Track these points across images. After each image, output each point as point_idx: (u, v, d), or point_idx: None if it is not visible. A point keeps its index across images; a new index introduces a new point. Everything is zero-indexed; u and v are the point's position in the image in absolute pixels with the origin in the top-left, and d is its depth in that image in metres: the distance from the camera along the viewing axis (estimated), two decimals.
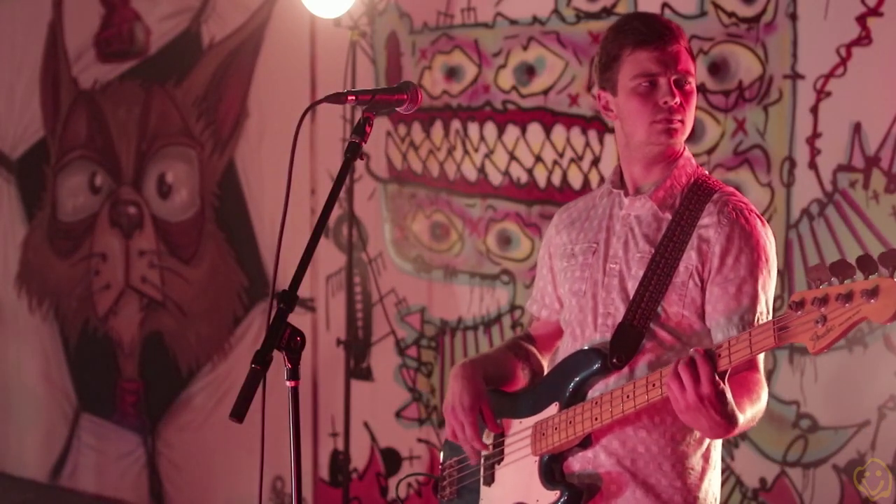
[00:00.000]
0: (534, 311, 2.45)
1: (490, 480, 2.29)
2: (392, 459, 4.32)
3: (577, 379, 2.17)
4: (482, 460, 2.31)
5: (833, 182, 3.29)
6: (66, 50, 5.42)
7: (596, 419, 2.09)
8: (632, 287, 2.16)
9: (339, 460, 4.36)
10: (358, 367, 4.36)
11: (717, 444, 2.23)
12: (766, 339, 1.87)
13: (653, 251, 2.16)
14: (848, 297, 1.75)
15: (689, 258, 2.14)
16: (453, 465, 2.39)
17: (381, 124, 4.22)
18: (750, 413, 2.04)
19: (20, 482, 5.59)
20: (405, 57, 4.22)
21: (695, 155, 3.25)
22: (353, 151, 1.93)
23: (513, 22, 3.91)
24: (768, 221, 2.25)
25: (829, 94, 3.28)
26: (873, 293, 1.73)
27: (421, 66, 4.17)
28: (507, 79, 3.93)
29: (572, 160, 3.77)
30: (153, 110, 5.11)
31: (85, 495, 5.38)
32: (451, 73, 4.10)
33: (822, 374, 3.33)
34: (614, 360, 2.13)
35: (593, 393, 2.15)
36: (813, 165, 3.33)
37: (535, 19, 3.85)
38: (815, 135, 3.32)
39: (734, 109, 3.46)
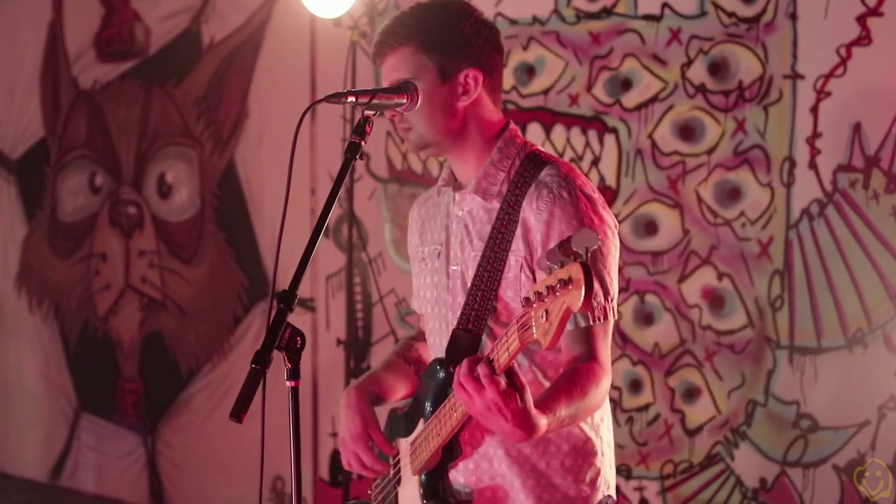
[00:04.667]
0: (416, 307, 2.38)
1: (394, 501, 2.26)
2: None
3: (430, 393, 2.12)
4: (387, 483, 2.27)
5: (833, 182, 3.29)
6: (66, 50, 5.42)
7: (439, 434, 2.04)
8: (469, 289, 2.10)
9: (339, 460, 4.35)
10: (358, 367, 4.36)
11: (602, 432, 2.15)
12: (514, 340, 1.75)
13: (483, 247, 2.08)
14: (553, 287, 1.65)
15: (518, 248, 2.05)
16: (377, 486, 2.35)
17: (381, 124, 4.22)
18: (566, 411, 1.90)
19: (20, 482, 5.59)
20: None
21: (695, 155, 3.24)
22: (353, 151, 1.92)
23: (513, 22, 3.91)
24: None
25: (829, 94, 3.28)
26: (569, 281, 1.62)
27: None
28: (506, 79, 3.93)
29: (572, 160, 3.77)
30: (153, 110, 5.11)
31: (85, 495, 5.38)
32: None
33: (822, 374, 3.33)
34: (451, 369, 2.05)
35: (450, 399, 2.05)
36: (813, 165, 3.33)
37: (535, 19, 3.85)
38: (815, 135, 3.32)
39: (734, 109, 3.46)
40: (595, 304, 1.99)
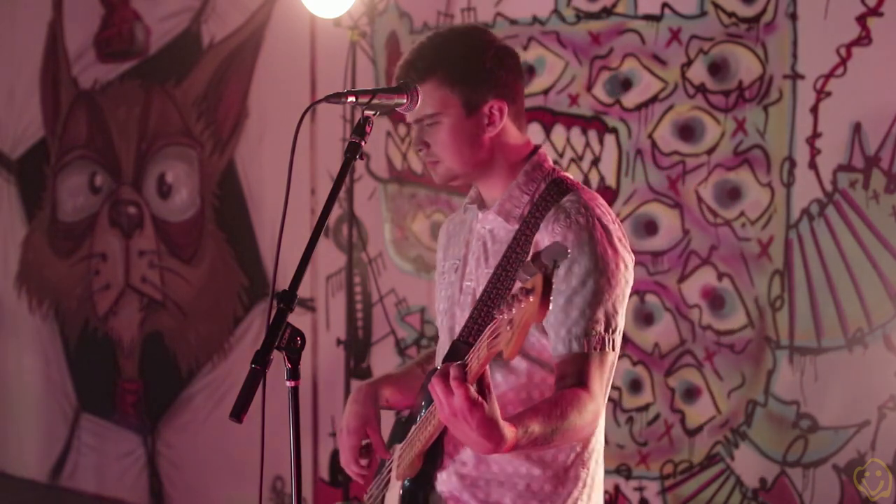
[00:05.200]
0: (438, 322, 2.38)
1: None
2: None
3: (423, 401, 2.13)
4: (378, 485, 2.28)
5: (833, 182, 3.29)
6: (66, 50, 5.42)
7: (419, 440, 2.05)
8: (476, 304, 2.11)
9: (339, 460, 4.35)
10: (358, 367, 4.36)
11: (589, 465, 2.12)
12: (483, 349, 1.73)
13: (496, 266, 2.09)
14: (517, 297, 1.64)
15: None
16: (371, 487, 2.36)
17: (381, 124, 4.22)
18: (540, 429, 1.86)
19: (20, 482, 5.59)
20: None
21: (695, 155, 3.24)
22: (353, 151, 1.92)
23: (513, 22, 3.91)
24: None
25: (829, 94, 3.28)
26: (531, 291, 1.61)
27: None
28: None
29: (572, 160, 3.77)
30: (153, 110, 5.11)
31: (85, 495, 5.38)
32: None
33: (822, 374, 3.33)
34: None
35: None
36: (813, 165, 3.33)
37: (535, 19, 3.85)
38: (815, 135, 3.32)
39: (734, 109, 3.46)
40: (593, 332, 1.98)
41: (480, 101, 2.09)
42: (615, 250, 2.03)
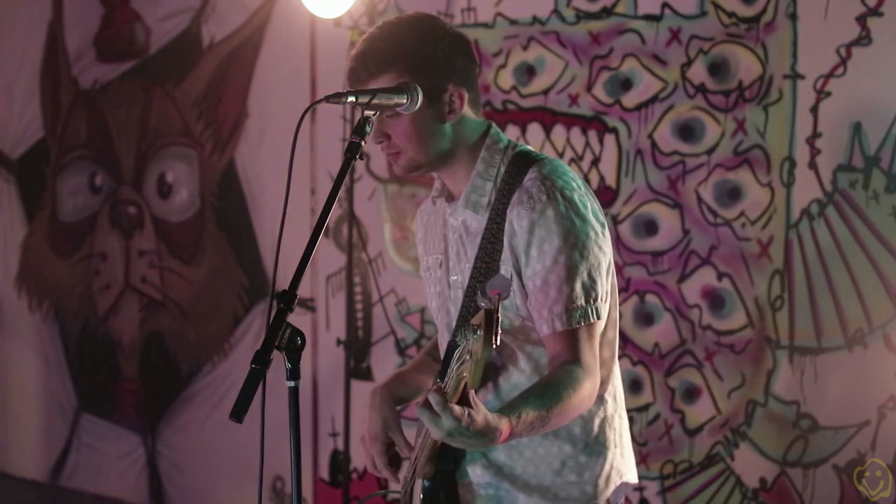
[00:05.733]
0: (431, 316, 2.41)
1: (409, 499, 2.27)
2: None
3: None
4: (405, 483, 2.29)
5: (833, 182, 3.29)
6: (66, 50, 5.42)
7: (426, 447, 2.06)
8: (462, 300, 2.12)
9: (339, 460, 4.36)
10: (358, 367, 4.36)
11: (614, 424, 2.16)
12: (453, 376, 1.77)
13: (475, 258, 2.10)
14: (473, 328, 1.68)
15: (507, 258, 2.05)
16: (407, 471, 2.38)
17: None
18: (535, 413, 1.88)
19: (20, 482, 5.59)
20: None
21: (695, 155, 3.24)
22: (353, 151, 1.92)
23: (513, 22, 3.91)
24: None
25: (829, 94, 3.28)
26: (479, 326, 1.64)
27: None
28: (506, 79, 3.93)
29: (572, 160, 3.77)
30: (153, 110, 5.10)
31: (85, 495, 5.38)
32: None
33: (822, 374, 3.33)
34: (440, 382, 2.05)
35: None
36: (813, 165, 3.33)
37: (535, 19, 3.85)
38: (815, 135, 3.32)
39: (734, 109, 3.46)
40: (575, 307, 1.99)
41: (440, 90, 2.08)
42: (582, 219, 2.03)
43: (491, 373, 2.11)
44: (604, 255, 2.06)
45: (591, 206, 2.07)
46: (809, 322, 3.34)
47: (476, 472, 2.15)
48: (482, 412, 1.79)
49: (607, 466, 2.15)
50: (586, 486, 2.13)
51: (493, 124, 2.18)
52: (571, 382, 1.95)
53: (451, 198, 2.19)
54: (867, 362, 3.24)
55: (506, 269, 2.05)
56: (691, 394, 3.58)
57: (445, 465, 2.13)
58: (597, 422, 2.14)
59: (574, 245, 2.00)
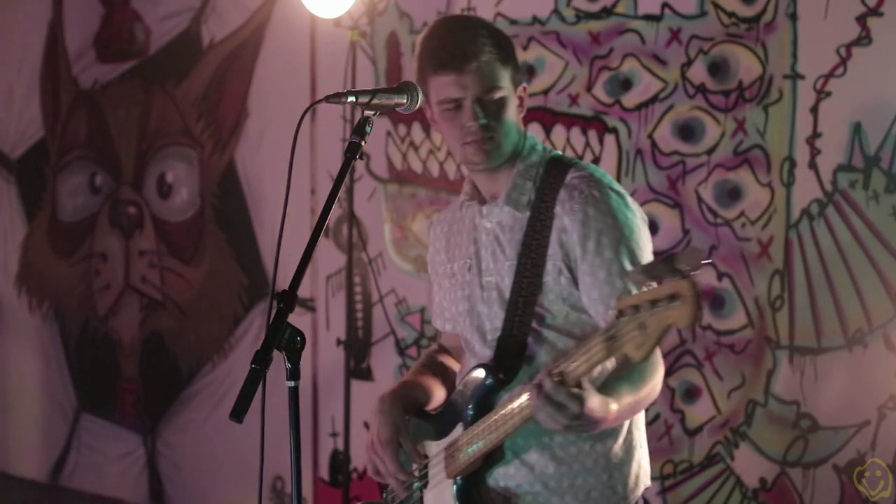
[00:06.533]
0: (438, 325, 2.42)
1: None
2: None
3: (474, 398, 2.14)
4: (412, 487, 2.28)
5: (833, 182, 3.29)
6: (66, 50, 5.42)
7: (487, 439, 2.06)
8: (510, 297, 2.13)
9: (339, 460, 4.36)
10: (358, 367, 4.36)
11: (640, 424, 2.23)
12: (599, 351, 1.81)
13: (518, 256, 2.12)
14: (654, 302, 1.69)
15: (555, 253, 2.08)
16: (393, 490, 2.35)
17: (381, 124, 4.22)
18: (632, 396, 2.01)
19: (20, 482, 5.59)
20: (405, 57, 4.22)
21: (695, 155, 3.24)
22: (353, 151, 1.93)
23: (513, 22, 3.91)
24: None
25: (829, 94, 3.28)
26: (674, 297, 1.67)
27: None
28: None
29: None
30: (153, 110, 5.10)
31: (85, 495, 5.38)
32: None
33: (822, 374, 3.33)
34: (500, 376, 2.10)
35: (502, 406, 2.09)
36: (813, 165, 3.33)
37: (535, 19, 3.85)
38: (815, 135, 3.32)
39: (734, 109, 3.46)
40: None
41: (520, 83, 2.17)
42: (633, 212, 2.12)
43: (519, 363, 2.13)
44: (650, 246, 2.15)
45: (635, 200, 2.16)
46: (809, 322, 3.34)
47: (508, 473, 2.15)
48: (598, 396, 1.88)
49: (635, 466, 2.20)
50: (617, 485, 2.17)
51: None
52: (650, 368, 2.04)
53: (482, 200, 2.21)
54: (867, 362, 3.24)
55: (553, 263, 2.08)
56: (691, 394, 3.58)
57: (490, 461, 2.14)
58: (626, 423, 2.17)
59: (630, 236, 2.09)
